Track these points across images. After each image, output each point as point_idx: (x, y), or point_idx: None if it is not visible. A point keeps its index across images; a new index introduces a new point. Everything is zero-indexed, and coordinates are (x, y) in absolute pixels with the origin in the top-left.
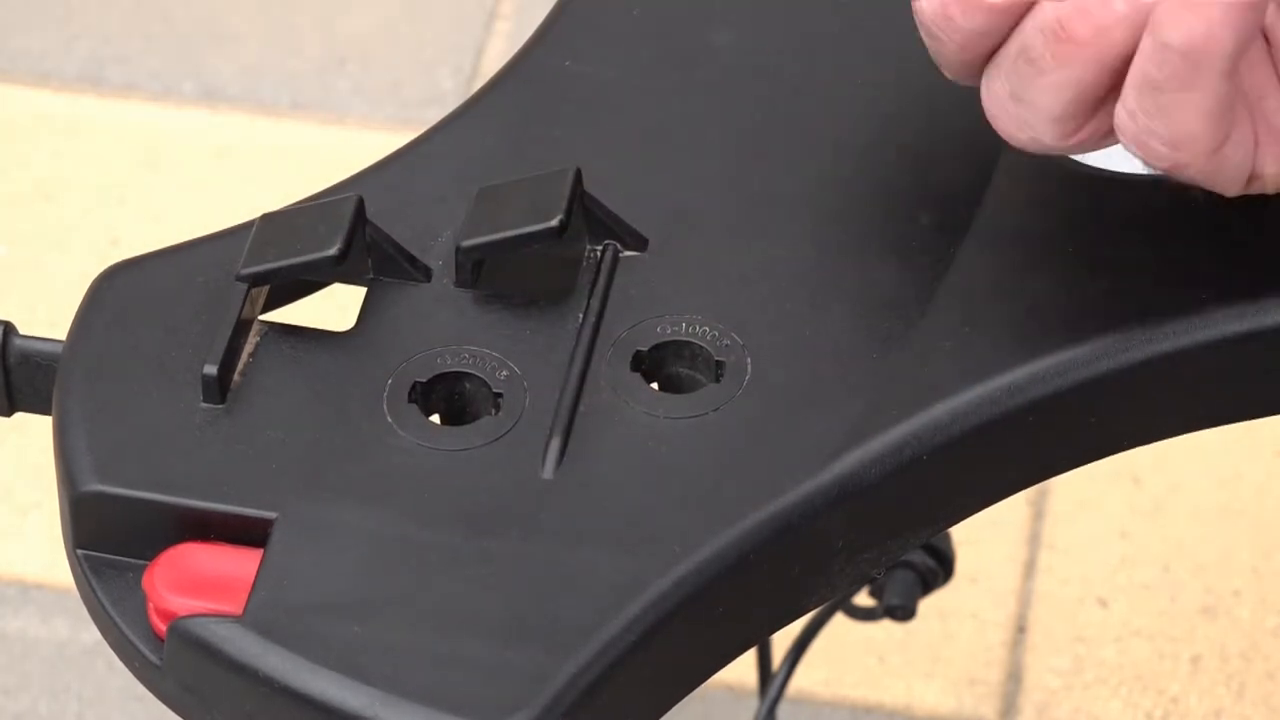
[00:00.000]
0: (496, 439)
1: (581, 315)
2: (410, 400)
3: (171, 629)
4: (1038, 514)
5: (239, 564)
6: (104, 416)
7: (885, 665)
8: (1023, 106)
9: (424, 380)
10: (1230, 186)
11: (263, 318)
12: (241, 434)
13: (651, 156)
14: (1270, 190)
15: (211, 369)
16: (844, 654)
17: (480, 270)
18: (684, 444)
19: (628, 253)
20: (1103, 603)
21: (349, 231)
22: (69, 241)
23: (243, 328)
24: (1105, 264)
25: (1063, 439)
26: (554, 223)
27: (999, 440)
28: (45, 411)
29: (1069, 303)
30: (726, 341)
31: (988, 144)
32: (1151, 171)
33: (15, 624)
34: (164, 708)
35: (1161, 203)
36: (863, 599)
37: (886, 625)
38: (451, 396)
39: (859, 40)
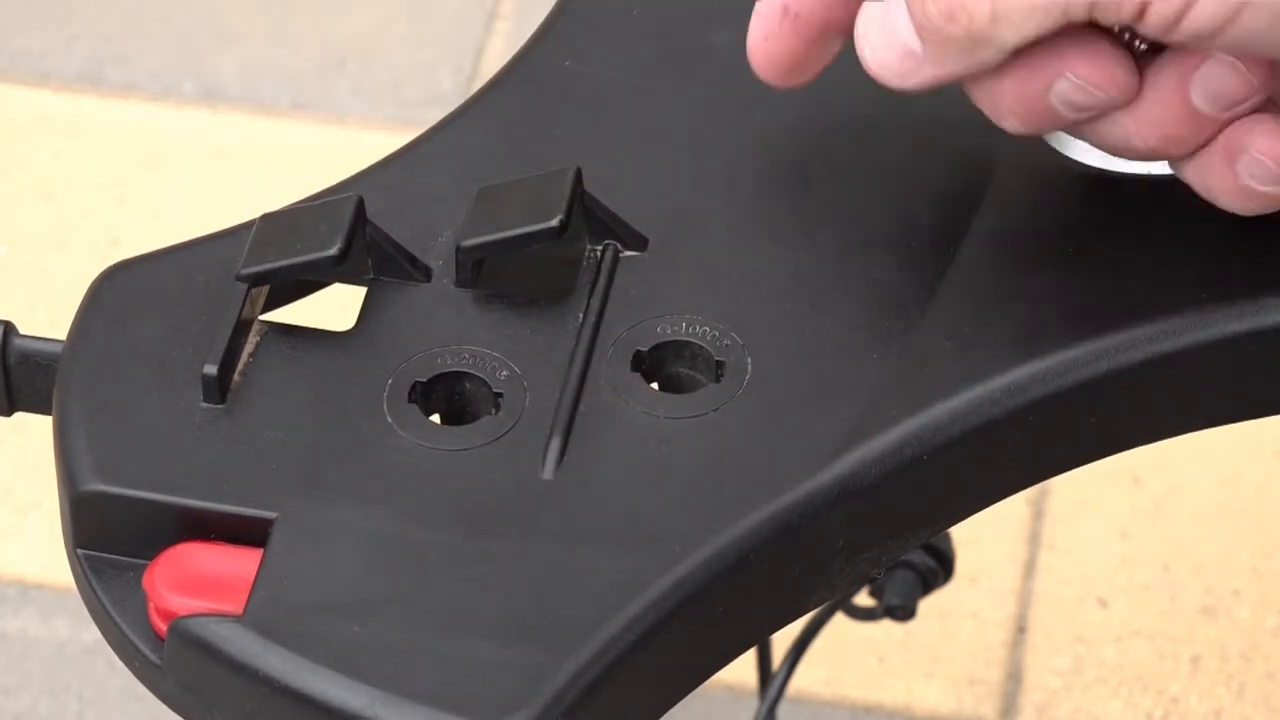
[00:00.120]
0: (496, 439)
1: (581, 315)
2: (410, 400)
3: (172, 629)
4: (1038, 514)
5: (239, 564)
6: (104, 416)
7: (885, 665)
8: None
9: (424, 380)
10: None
11: (263, 318)
12: (241, 434)
13: (651, 156)
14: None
15: (211, 369)
16: (844, 654)
17: (480, 270)
18: (684, 444)
19: (628, 253)
20: (1103, 603)
21: (349, 231)
22: (69, 241)
23: (243, 328)
24: (1105, 264)
25: (1063, 439)
26: (554, 223)
27: (999, 440)
28: (45, 411)
29: (1069, 303)
30: (726, 341)
31: (988, 144)
32: (1151, 171)
33: (15, 624)
34: (164, 708)
35: (1162, 202)
36: (863, 599)
37: (886, 625)
38: (451, 396)
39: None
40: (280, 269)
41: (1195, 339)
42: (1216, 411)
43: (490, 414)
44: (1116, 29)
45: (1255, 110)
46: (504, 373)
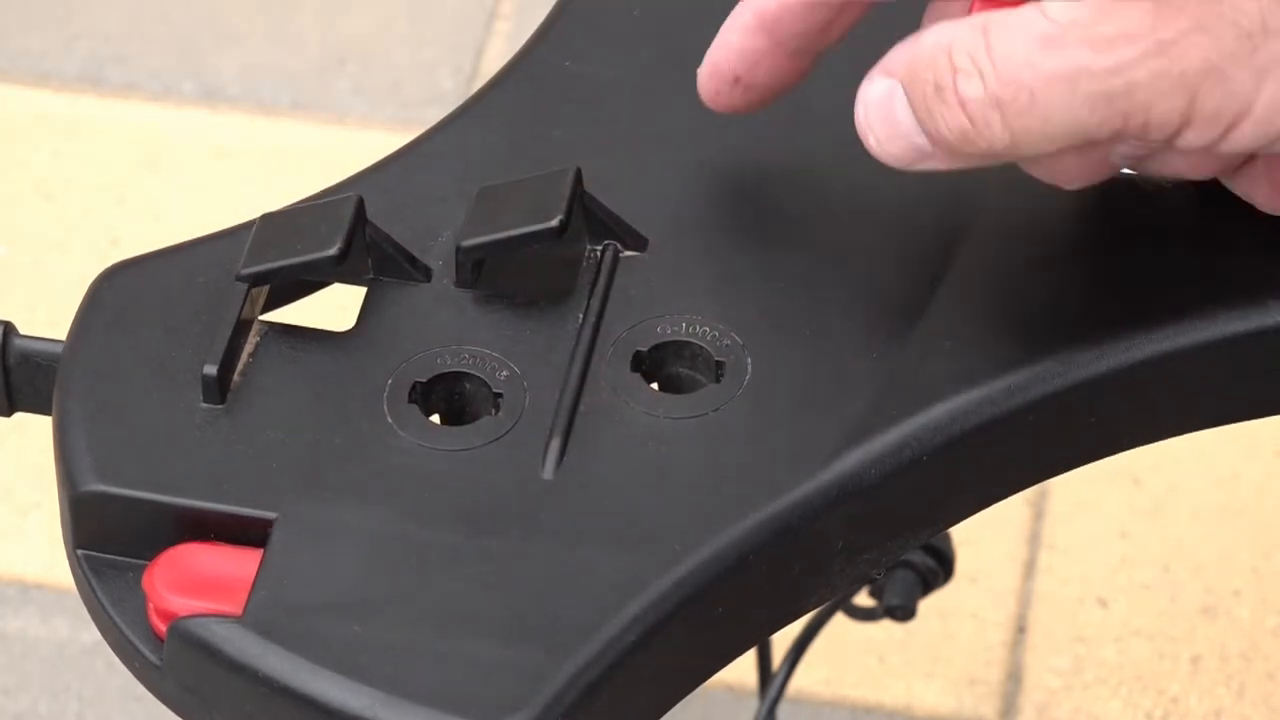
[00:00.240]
0: (496, 439)
1: (581, 315)
2: (410, 400)
3: (171, 629)
4: (1038, 514)
5: (239, 564)
6: (104, 416)
7: (885, 665)
8: None
9: (424, 380)
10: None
11: (263, 318)
12: (241, 434)
13: (651, 156)
14: None
15: (211, 369)
16: (844, 654)
17: (480, 270)
18: (684, 444)
19: (628, 253)
20: (1103, 603)
21: (349, 231)
22: (69, 241)
23: (243, 328)
24: (1105, 264)
25: (1063, 439)
26: (554, 223)
27: (999, 440)
28: (45, 411)
29: (1068, 303)
30: (726, 341)
31: None
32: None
33: (15, 624)
34: (164, 708)
35: (1162, 203)
36: (863, 599)
37: (886, 625)
38: (451, 396)
39: (859, 39)
40: (280, 269)
41: (1195, 339)
42: (1216, 411)
43: (490, 414)
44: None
45: None
46: (504, 373)
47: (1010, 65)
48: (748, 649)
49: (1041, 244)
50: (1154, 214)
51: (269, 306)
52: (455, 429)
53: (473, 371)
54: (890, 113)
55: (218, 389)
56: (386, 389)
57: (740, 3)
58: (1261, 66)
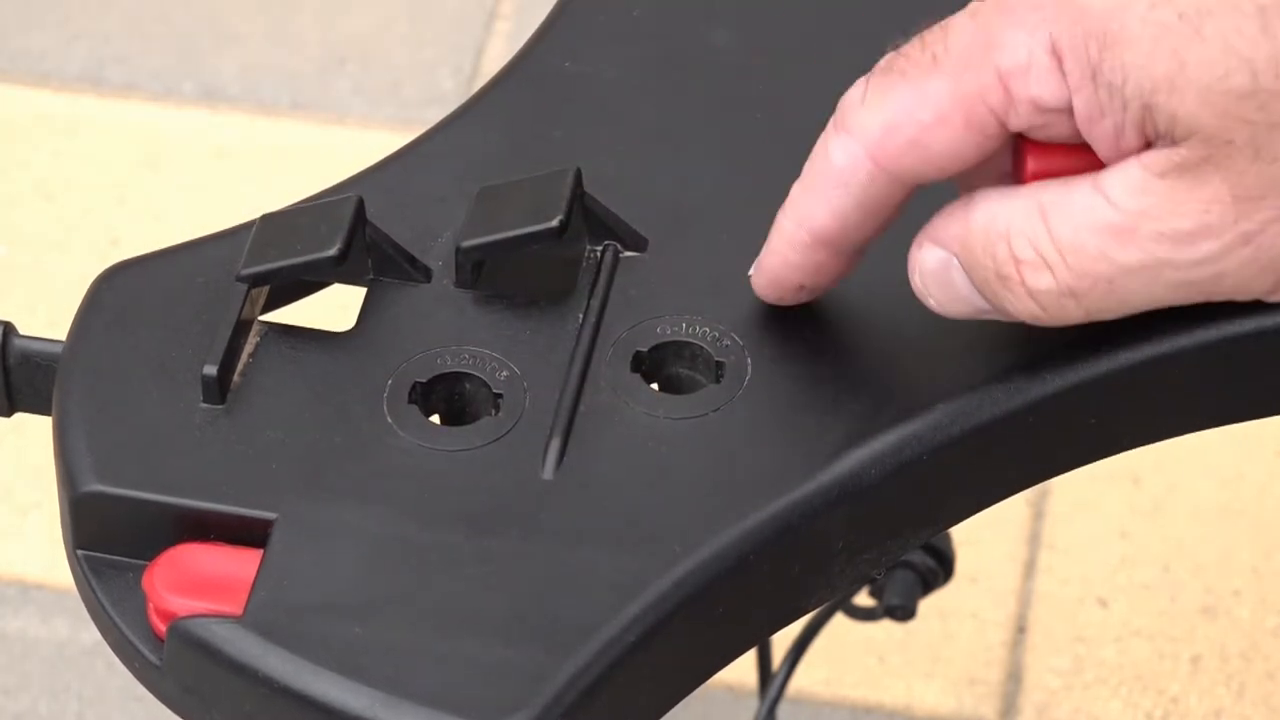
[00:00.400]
0: (496, 439)
1: (581, 315)
2: (410, 401)
3: (171, 629)
4: (1038, 514)
5: (239, 564)
6: (104, 416)
7: (885, 665)
8: None
9: (424, 381)
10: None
11: (263, 318)
12: (241, 434)
13: (651, 156)
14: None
15: (211, 369)
16: (844, 654)
17: (480, 270)
18: (684, 444)
19: (628, 253)
20: (1103, 603)
21: (349, 232)
22: (69, 241)
23: (243, 328)
24: None
25: (1063, 439)
26: (554, 223)
27: (999, 440)
28: (45, 412)
29: None
30: (726, 342)
31: None
32: None
33: (15, 624)
34: (164, 708)
35: None
36: (863, 599)
37: (886, 625)
38: (451, 397)
39: (859, 39)
40: (280, 269)
41: (1195, 339)
42: (1216, 411)
43: (490, 414)
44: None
45: None
46: (504, 373)
47: (1083, 259)
48: (748, 649)
49: None
50: None
51: (269, 307)
52: (455, 429)
53: (473, 372)
54: (948, 281)
55: (218, 389)
56: (386, 389)
57: (785, 219)
58: None
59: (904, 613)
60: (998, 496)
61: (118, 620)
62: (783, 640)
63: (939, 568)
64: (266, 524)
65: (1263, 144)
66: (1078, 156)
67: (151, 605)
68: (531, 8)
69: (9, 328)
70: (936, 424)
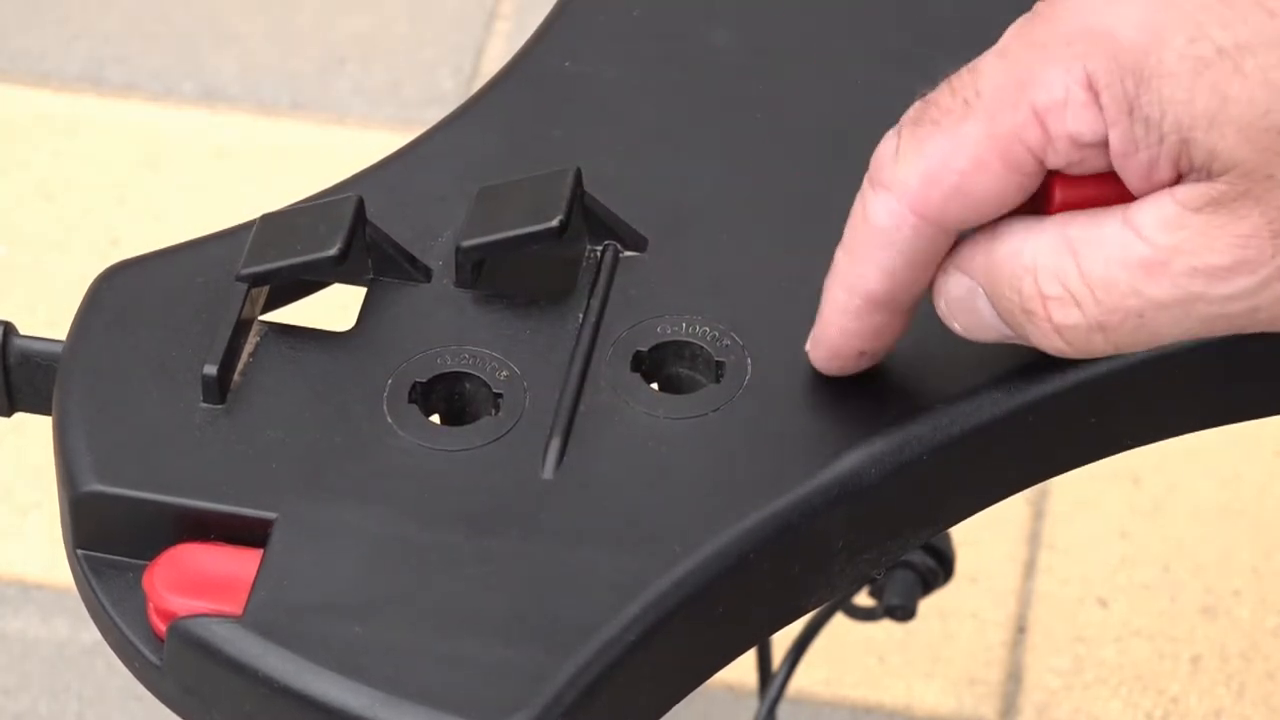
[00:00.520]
0: (496, 439)
1: (581, 315)
2: (410, 400)
3: (171, 629)
4: (1038, 514)
5: (239, 564)
6: (104, 416)
7: (885, 665)
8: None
9: (424, 380)
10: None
11: (263, 318)
12: (241, 434)
13: (651, 156)
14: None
15: (211, 369)
16: (844, 654)
17: (480, 270)
18: (684, 444)
19: (628, 253)
20: (1103, 603)
21: (349, 231)
22: (69, 241)
23: (243, 328)
24: None
25: (1063, 439)
26: (554, 223)
27: (999, 440)
28: (45, 411)
29: None
30: (726, 341)
31: None
32: None
33: (15, 624)
34: (164, 708)
35: None
36: (863, 599)
37: (886, 625)
38: (451, 397)
39: (859, 40)
40: (280, 269)
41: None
42: (1216, 411)
43: (490, 414)
44: None
45: None
46: (504, 373)
47: (1114, 294)
48: (748, 649)
49: None
50: None
51: (269, 306)
52: (455, 429)
53: (473, 371)
54: (972, 309)
55: (218, 389)
56: (386, 389)
57: (835, 288)
58: None
59: (904, 613)
60: (998, 496)
61: (118, 620)
62: (783, 640)
63: (939, 568)
64: (266, 524)
65: None
66: (1104, 187)
67: (151, 605)
68: (531, 8)
69: (9, 328)
70: (936, 424)
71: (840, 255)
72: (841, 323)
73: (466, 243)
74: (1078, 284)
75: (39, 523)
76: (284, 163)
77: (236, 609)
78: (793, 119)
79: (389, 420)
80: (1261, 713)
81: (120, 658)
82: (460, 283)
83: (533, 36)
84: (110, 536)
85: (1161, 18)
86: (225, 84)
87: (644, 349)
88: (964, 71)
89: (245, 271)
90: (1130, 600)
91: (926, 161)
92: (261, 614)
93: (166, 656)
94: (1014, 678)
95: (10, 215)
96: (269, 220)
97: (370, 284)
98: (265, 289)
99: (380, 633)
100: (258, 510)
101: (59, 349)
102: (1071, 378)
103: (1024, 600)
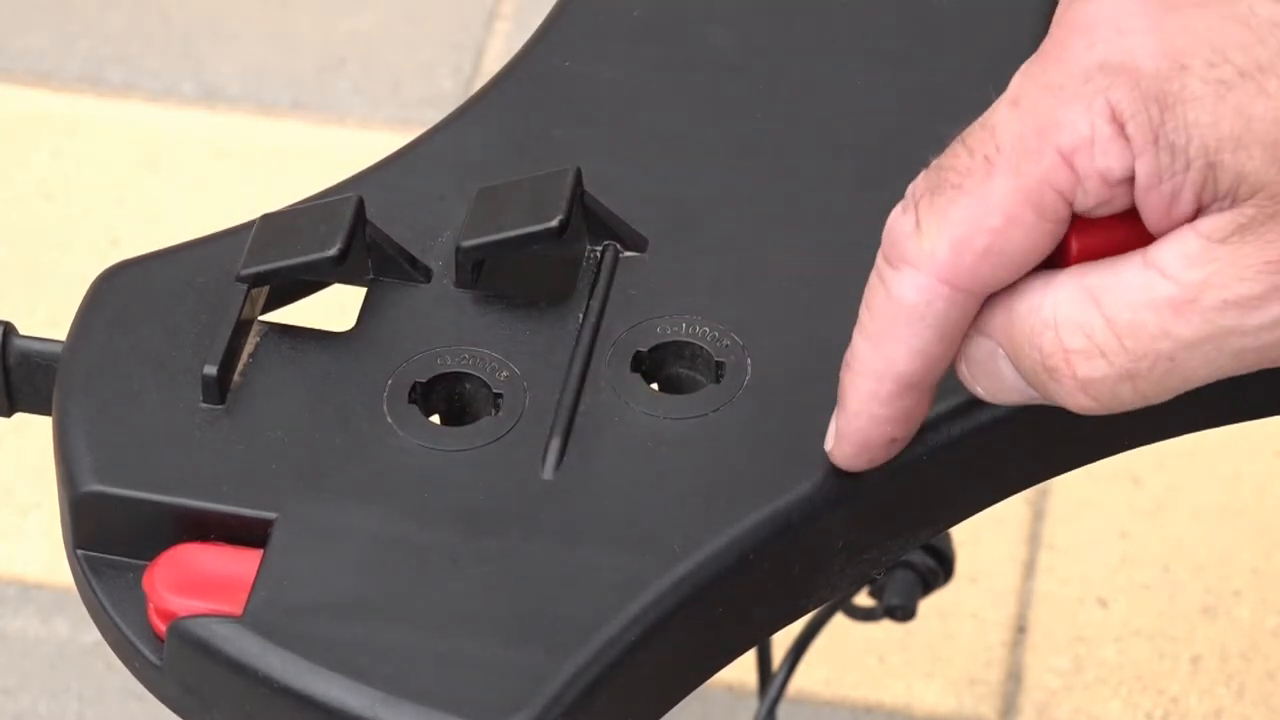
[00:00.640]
0: (496, 439)
1: (581, 315)
2: (410, 401)
3: (171, 629)
4: (1038, 514)
5: (239, 564)
6: (104, 416)
7: (885, 665)
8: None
9: (424, 381)
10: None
11: (262, 318)
12: (241, 434)
13: (651, 156)
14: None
15: (211, 369)
16: (844, 654)
17: (480, 270)
18: (684, 444)
19: (628, 253)
20: (1103, 603)
21: (349, 232)
22: (69, 241)
23: (243, 328)
24: None
25: (1063, 439)
26: (554, 223)
27: (999, 440)
28: (45, 412)
29: None
30: (726, 342)
31: None
32: None
33: (15, 624)
34: (164, 708)
35: None
36: (863, 599)
37: (886, 625)
38: (451, 397)
39: (859, 40)
40: (280, 269)
41: None
42: (1217, 411)
43: (490, 414)
44: None
45: None
46: (504, 373)
47: (1142, 339)
48: (748, 649)
49: None
50: None
51: (269, 307)
52: (455, 429)
53: (473, 372)
54: (995, 372)
55: (218, 389)
56: (386, 389)
57: (859, 378)
58: None
59: (904, 613)
60: (998, 496)
61: (118, 620)
62: (783, 640)
63: (939, 568)
64: (266, 524)
65: None
66: (1121, 231)
67: (151, 605)
68: (531, 8)
69: (9, 328)
70: (936, 424)
71: (860, 343)
72: (871, 411)
73: (466, 243)
74: (1103, 333)
75: (39, 523)
76: (284, 163)
77: (236, 609)
78: (793, 119)
79: (389, 420)
80: (1261, 713)
81: (120, 658)
82: (460, 283)
83: (533, 36)
84: (110, 536)
85: (1179, 45)
86: (225, 84)
87: (644, 349)
88: (976, 128)
89: (245, 272)
90: (1130, 600)
91: (955, 228)
92: (261, 614)
93: (166, 656)
94: (1014, 678)
95: (10, 215)
96: (269, 220)
97: (370, 284)
98: (265, 289)
99: (380, 633)
100: (258, 510)
101: (59, 349)
102: None
103: (1024, 600)
